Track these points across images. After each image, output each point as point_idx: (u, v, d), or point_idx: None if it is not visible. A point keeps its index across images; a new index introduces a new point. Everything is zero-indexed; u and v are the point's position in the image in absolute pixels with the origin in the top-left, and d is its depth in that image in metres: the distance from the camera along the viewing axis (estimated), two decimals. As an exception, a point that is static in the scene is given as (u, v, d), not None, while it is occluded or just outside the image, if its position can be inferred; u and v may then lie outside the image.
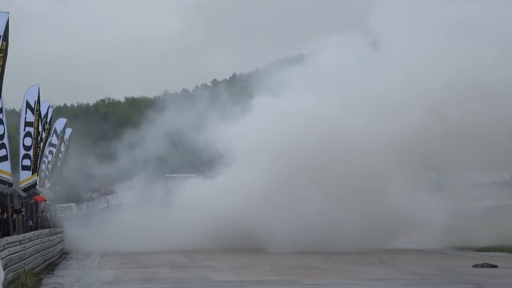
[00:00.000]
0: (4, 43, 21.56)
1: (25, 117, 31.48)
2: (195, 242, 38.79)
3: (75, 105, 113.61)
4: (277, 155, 39.90)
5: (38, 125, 32.44)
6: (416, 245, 39.65)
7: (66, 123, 46.68)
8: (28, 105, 31.68)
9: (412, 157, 39.25)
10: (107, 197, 60.26)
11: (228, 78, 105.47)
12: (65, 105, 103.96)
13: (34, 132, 31.27)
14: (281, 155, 39.77)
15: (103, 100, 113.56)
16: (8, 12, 22.27)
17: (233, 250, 37.19)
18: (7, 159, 27.15)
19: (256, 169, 40.38)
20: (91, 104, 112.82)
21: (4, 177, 27.45)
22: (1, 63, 21.70)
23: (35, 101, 31.79)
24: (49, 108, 39.46)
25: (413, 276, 24.43)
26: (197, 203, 41.61)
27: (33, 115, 31.50)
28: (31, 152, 30.61)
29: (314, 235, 37.56)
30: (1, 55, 21.81)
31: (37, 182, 33.04)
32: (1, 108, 27.25)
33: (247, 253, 35.57)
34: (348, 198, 38.14)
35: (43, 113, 36.75)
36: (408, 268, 27.65)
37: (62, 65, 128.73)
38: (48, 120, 38.96)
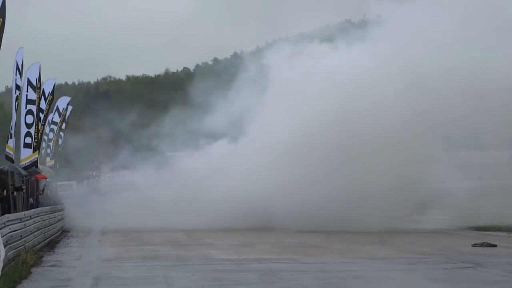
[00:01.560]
0: (0, 19, 21.41)
1: (26, 94, 31.43)
2: (197, 221, 38.63)
3: (76, 83, 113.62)
4: (305, 127, 38.97)
5: (39, 103, 32.44)
6: (416, 225, 39.65)
7: (69, 101, 46.58)
8: (29, 83, 31.60)
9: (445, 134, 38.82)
10: (108, 174, 60.34)
11: (229, 57, 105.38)
12: (66, 83, 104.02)
13: (35, 110, 31.22)
14: (308, 129, 38.84)
15: (104, 79, 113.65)
16: (3, -11, 22.21)
17: (234, 229, 37.11)
18: (13, 137, 27.37)
19: (278, 141, 39.68)
20: (92, 82, 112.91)
21: (11, 154, 27.61)
22: (-2, 40, 21.62)
23: (36, 79, 31.73)
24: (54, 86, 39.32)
25: (412, 255, 24.48)
26: (200, 180, 41.50)
27: (35, 92, 31.43)
28: (32, 130, 30.57)
29: (337, 213, 37.08)
30: (-2, 31, 21.74)
31: (38, 160, 32.99)
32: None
33: (248, 232, 35.62)
34: (378, 176, 37.34)
35: (47, 91, 36.68)
36: (408, 247, 27.71)
37: (64, 43, 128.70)
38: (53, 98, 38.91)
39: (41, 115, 33.93)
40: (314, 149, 38.25)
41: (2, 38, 20.52)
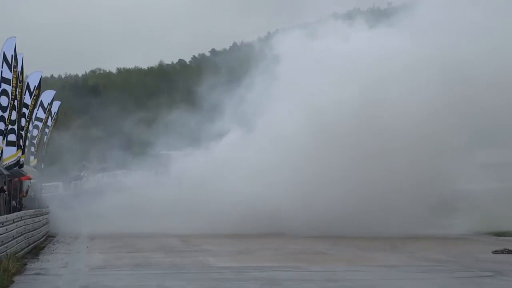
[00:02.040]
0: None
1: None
2: (195, 226, 38.35)
3: (63, 76, 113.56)
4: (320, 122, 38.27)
5: (23, 97, 32.46)
6: (431, 229, 39.39)
7: (54, 95, 46.50)
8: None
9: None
10: (97, 175, 60.27)
11: (228, 47, 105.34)
12: (51, 76, 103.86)
13: (17, 105, 31.24)
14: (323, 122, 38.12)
15: (93, 71, 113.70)
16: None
17: (234, 234, 36.90)
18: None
19: (292, 139, 39.04)
20: (80, 75, 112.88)
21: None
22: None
23: (19, 71, 31.76)
24: (41, 80, 39.32)
25: (426, 263, 24.47)
26: (200, 181, 41.20)
27: (17, 87, 31.47)
28: (15, 127, 30.59)
29: (352, 216, 36.50)
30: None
31: (20, 159, 32.99)
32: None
33: (248, 237, 35.51)
34: (398, 174, 36.75)
35: (32, 84, 36.69)
36: (422, 254, 27.69)
37: (50, 32, 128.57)
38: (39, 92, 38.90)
39: (26, 111, 33.91)
40: (328, 145, 37.67)
41: None
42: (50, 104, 44.98)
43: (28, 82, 35.37)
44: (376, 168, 37.18)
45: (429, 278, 20.58)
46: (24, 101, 33.03)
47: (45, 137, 45.40)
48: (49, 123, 45.50)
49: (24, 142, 32.45)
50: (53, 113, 45.78)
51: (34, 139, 43.52)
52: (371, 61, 38.17)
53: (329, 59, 39.59)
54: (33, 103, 36.39)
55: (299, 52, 41.30)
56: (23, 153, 32.57)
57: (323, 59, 39.79)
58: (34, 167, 43.19)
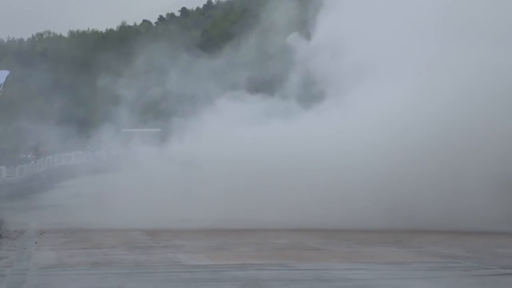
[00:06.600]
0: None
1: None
2: (163, 218, 38.26)
3: (5, 40, 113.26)
4: None
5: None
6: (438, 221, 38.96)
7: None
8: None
9: None
10: (47, 158, 60.20)
11: (201, 6, 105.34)
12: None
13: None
14: None
15: (41, 34, 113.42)
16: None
17: (208, 228, 36.65)
18: None
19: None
20: (25, 40, 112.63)
21: None
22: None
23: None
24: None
25: (436, 259, 24.60)
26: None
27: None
28: None
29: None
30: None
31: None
32: None
33: (224, 231, 35.48)
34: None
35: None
36: (430, 248, 27.85)
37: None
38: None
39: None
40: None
41: None
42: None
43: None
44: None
45: (440, 277, 20.73)
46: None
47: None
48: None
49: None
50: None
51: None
52: None
53: None
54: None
55: None
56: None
57: None
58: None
